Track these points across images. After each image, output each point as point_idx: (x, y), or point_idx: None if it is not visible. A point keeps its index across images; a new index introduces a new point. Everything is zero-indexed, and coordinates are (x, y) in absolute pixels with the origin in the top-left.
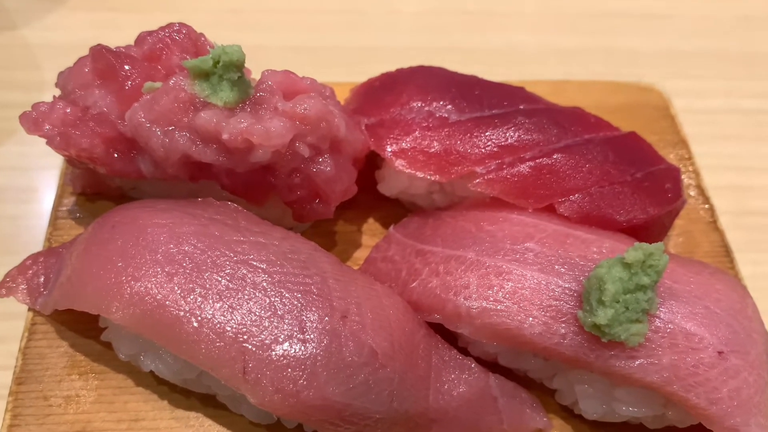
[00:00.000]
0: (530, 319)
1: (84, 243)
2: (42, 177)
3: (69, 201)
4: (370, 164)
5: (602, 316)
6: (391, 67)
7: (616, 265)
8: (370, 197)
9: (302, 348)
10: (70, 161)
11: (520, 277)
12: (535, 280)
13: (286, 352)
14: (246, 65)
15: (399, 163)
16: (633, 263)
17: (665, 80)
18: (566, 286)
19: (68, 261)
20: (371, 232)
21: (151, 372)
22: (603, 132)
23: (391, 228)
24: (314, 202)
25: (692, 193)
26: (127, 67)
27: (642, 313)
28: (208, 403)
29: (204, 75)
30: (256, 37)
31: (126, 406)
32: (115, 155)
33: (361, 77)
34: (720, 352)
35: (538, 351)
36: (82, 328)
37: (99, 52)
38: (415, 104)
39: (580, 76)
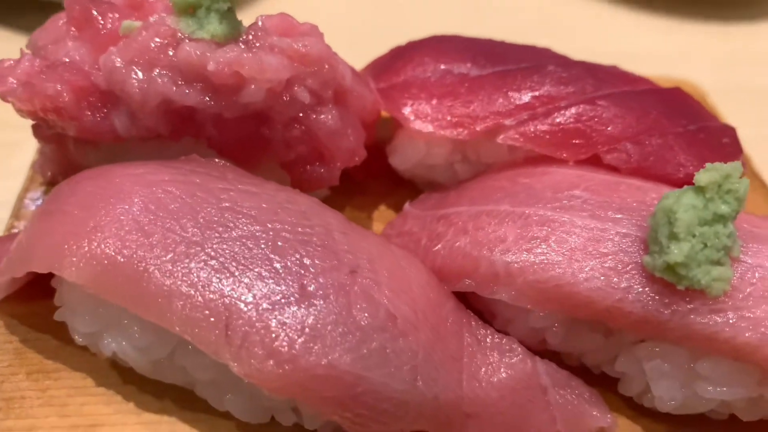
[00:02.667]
0: (586, 270)
1: (42, 205)
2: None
3: (37, 192)
4: (380, 150)
5: (677, 252)
6: None
7: (686, 193)
8: (382, 183)
9: (301, 304)
10: (38, 132)
11: (568, 225)
12: (587, 228)
13: (281, 309)
14: None
15: (417, 124)
16: (707, 187)
17: None
18: (625, 231)
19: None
20: (384, 219)
21: (116, 368)
22: (646, 86)
23: (407, 204)
24: (316, 164)
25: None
26: (105, 16)
27: (723, 253)
28: (184, 404)
29: (190, 8)
30: None
31: (82, 409)
32: (87, 108)
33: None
34: None
35: (598, 314)
36: (36, 321)
37: None
38: (429, 65)
39: None
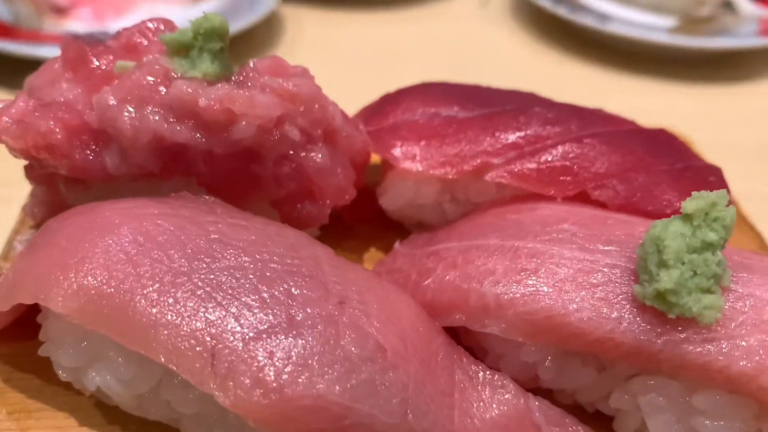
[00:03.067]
0: (576, 301)
1: (30, 240)
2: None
3: (27, 234)
4: (370, 194)
5: (666, 279)
6: None
7: (674, 221)
8: (371, 227)
9: (288, 334)
10: (30, 173)
11: (557, 257)
12: (576, 259)
13: (268, 338)
14: None
15: (406, 164)
16: (694, 214)
17: None
18: (615, 262)
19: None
20: (374, 261)
21: (99, 407)
22: (631, 126)
23: (397, 243)
24: (305, 202)
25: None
26: (100, 60)
27: (713, 282)
28: None
29: (183, 49)
30: None
31: None
32: (78, 147)
33: None
34: None
35: (590, 345)
36: (19, 361)
37: (70, 40)
38: (418, 109)
39: None
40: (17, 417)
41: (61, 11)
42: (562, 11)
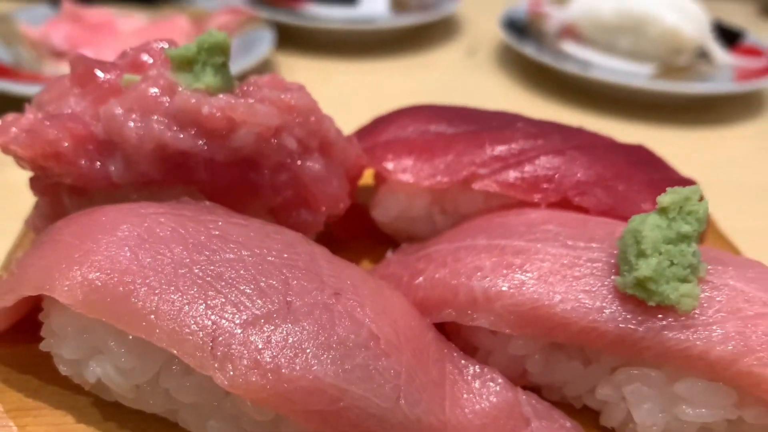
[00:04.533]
0: (560, 292)
1: (36, 239)
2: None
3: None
4: (363, 211)
5: (645, 267)
6: None
7: (651, 215)
8: (364, 242)
9: (286, 320)
10: (35, 184)
11: (542, 253)
12: (560, 255)
13: (266, 324)
14: None
15: (398, 176)
16: (669, 207)
17: None
18: (596, 256)
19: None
20: None
21: (97, 405)
22: (610, 141)
23: (389, 252)
24: (301, 210)
25: None
26: (107, 75)
27: (690, 272)
28: None
29: (187, 64)
30: None
31: None
32: (84, 156)
33: None
34: None
35: (575, 336)
36: (19, 362)
37: (79, 58)
38: (410, 126)
39: None
40: (15, 415)
41: (60, 55)
42: (546, 59)
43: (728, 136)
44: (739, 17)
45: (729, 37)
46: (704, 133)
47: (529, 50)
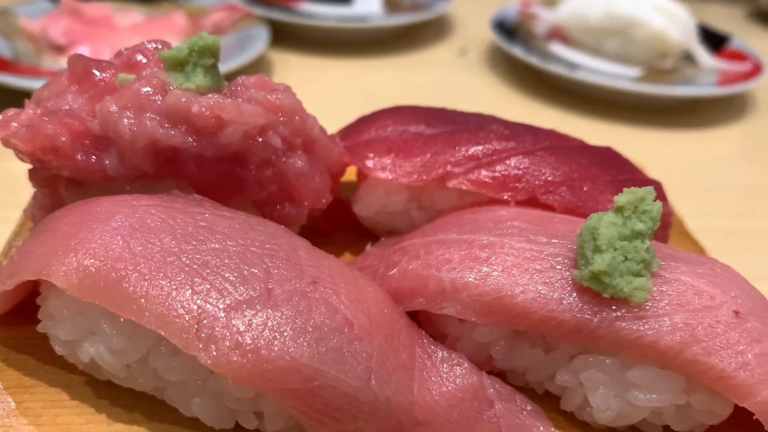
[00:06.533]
0: (522, 284)
1: (35, 227)
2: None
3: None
4: (345, 206)
5: (600, 261)
6: None
7: (608, 214)
8: (346, 236)
9: (266, 305)
10: (34, 176)
11: (506, 247)
12: (523, 249)
13: (247, 308)
14: None
15: (378, 173)
16: (625, 206)
17: None
18: (556, 252)
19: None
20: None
21: (90, 384)
22: (579, 143)
23: (368, 245)
24: (285, 204)
25: None
26: (103, 74)
27: (643, 267)
28: (153, 416)
29: (179, 64)
30: None
31: (56, 419)
32: (81, 150)
33: None
34: (736, 312)
35: (535, 324)
36: (17, 344)
37: (77, 58)
38: (390, 126)
39: None
40: (13, 392)
41: (58, 49)
42: (534, 60)
43: (711, 139)
44: (728, 22)
45: (715, 41)
46: (688, 135)
47: (517, 51)
